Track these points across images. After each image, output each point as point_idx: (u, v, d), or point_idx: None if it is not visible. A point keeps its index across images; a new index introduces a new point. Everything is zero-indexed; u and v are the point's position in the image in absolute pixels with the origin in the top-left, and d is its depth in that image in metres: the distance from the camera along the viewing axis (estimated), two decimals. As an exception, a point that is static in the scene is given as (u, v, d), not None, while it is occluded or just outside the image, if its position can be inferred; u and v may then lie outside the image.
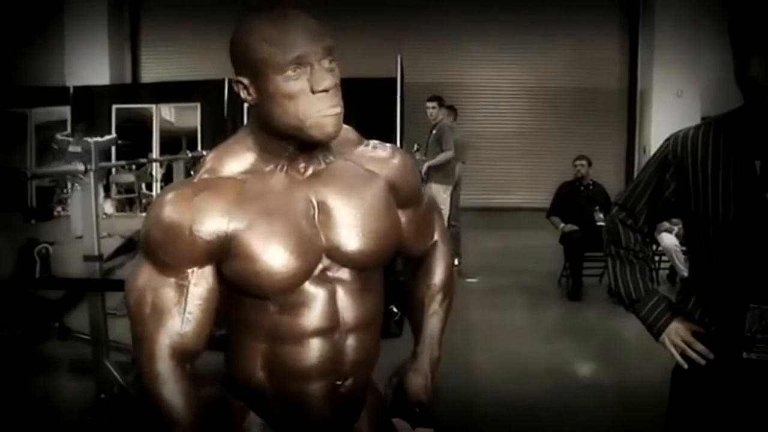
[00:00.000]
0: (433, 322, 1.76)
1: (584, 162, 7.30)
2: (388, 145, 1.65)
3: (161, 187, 12.59)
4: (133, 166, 12.41)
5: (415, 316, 1.78)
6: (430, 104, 8.12)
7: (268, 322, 1.45)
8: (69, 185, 10.24)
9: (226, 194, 1.40)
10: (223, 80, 12.64)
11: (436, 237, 1.79)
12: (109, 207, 11.73)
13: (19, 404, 4.09)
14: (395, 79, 9.29)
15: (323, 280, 1.46)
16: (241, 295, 1.44)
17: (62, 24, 12.91)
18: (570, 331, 5.87)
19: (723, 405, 1.82)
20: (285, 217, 1.42)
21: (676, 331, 1.90)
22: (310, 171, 1.48)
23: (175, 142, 12.53)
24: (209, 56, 13.31)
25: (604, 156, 12.75)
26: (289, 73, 1.35)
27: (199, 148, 11.83)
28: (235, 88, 1.45)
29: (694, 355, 1.86)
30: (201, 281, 1.41)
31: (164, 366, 1.42)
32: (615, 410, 4.16)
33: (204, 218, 1.37)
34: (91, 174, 3.92)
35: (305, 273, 1.43)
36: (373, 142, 1.63)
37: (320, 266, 1.46)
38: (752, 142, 1.72)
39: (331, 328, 1.47)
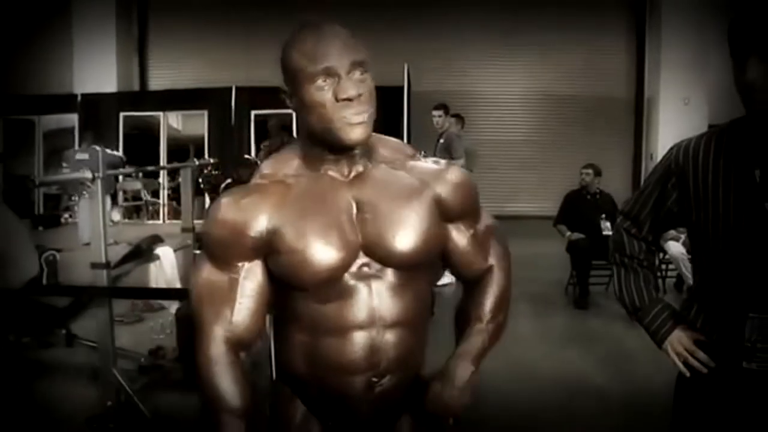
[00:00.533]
0: (475, 338, 1.70)
1: (590, 171, 7.27)
2: (443, 161, 1.72)
3: (168, 196, 12.63)
4: (140, 174, 12.49)
5: (460, 337, 1.75)
6: (436, 113, 8.12)
7: (309, 314, 1.56)
8: (77, 194, 10.31)
9: (271, 196, 1.54)
10: (231, 88, 12.69)
11: (491, 261, 1.76)
12: (116, 214, 11.80)
13: (26, 411, 4.09)
14: (402, 87, 9.30)
15: (361, 276, 1.55)
16: (286, 288, 1.55)
17: (70, 32, 12.97)
18: (576, 339, 5.86)
19: (725, 414, 1.82)
20: (325, 215, 1.52)
21: (678, 340, 1.91)
22: (352, 174, 1.58)
23: (182, 149, 12.56)
24: (217, 64, 13.38)
25: (611, 164, 12.71)
26: (319, 82, 1.46)
27: (206, 155, 11.87)
28: (282, 97, 1.58)
29: (696, 363, 1.86)
30: (250, 275, 1.55)
31: (217, 352, 1.55)
32: (621, 418, 4.14)
33: (249, 218, 1.52)
34: (98, 181, 3.93)
35: (342, 267, 1.52)
36: (432, 158, 1.73)
37: (358, 262, 1.54)
38: (752, 151, 1.72)
39: (368, 323, 1.55)
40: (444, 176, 1.64)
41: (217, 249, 1.56)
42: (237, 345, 1.57)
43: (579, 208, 7.23)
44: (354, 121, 1.47)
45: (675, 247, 6.92)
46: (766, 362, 1.74)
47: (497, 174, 12.58)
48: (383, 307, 1.56)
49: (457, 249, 1.70)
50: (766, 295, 1.72)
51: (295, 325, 1.60)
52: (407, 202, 1.57)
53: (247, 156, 10.49)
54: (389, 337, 1.57)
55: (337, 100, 1.46)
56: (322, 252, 1.50)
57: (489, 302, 1.74)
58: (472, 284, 1.79)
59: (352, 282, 1.54)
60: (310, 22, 1.52)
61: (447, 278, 7.75)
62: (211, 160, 8.38)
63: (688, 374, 1.88)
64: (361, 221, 1.55)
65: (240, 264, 1.55)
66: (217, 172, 8.47)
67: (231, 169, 8.75)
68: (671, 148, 1.89)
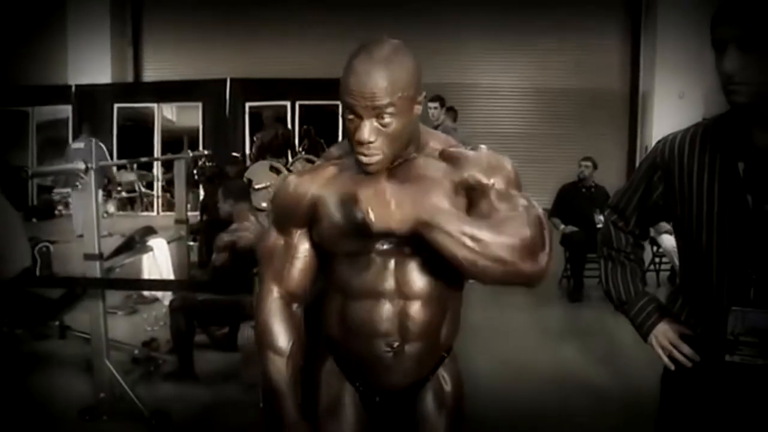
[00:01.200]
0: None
1: (589, 163, 7.25)
2: (483, 147, 1.80)
3: (162, 187, 12.61)
4: (135, 166, 12.46)
5: None
6: (432, 104, 8.09)
7: (342, 280, 1.77)
8: (70, 186, 10.28)
9: (323, 175, 1.77)
10: (225, 79, 12.67)
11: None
12: (110, 206, 11.78)
13: (19, 403, 4.09)
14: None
15: (390, 251, 1.72)
16: (328, 256, 1.79)
17: (65, 23, 12.92)
18: (570, 332, 5.87)
19: (709, 408, 1.82)
20: (361, 194, 1.64)
21: (663, 333, 1.91)
22: (394, 164, 1.71)
23: (176, 141, 12.54)
24: (211, 56, 13.34)
25: (605, 158, 12.68)
26: (348, 114, 1.62)
27: (201, 147, 11.85)
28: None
29: (680, 357, 1.86)
30: (302, 240, 1.81)
31: (271, 301, 1.82)
32: (614, 411, 4.15)
33: (304, 192, 1.76)
34: (92, 173, 3.91)
35: (371, 241, 1.70)
36: (477, 147, 1.80)
37: (387, 238, 1.69)
38: (735, 144, 1.72)
39: (391, 293, 1.73)
40: (477, 163, 1.71)
41: (279, 217, 1.84)
42: (289, 297, 1.83)
43: (573, 201, 7.22)
44: (364, 161, 1.65)
45: (669, 241, 6.91)
46: (748, 355, 1.73)
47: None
48: (406, 280, 1.73)
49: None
50: (749, 288, 1.72)
51: (333, 290, 1.81)
52: (434, 185, 1.69)
53: (234, 154, 10.49)
54: (410, 307, 1.73)
55: (354, 138, 1.62)
56: (354, 225, 1.65)
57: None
58: None
59: (380, 255, 1.72)
60: (368, 45, 1.61)
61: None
62: (205, 152, 8.35)
63: (672, 368, 1.88)
64: (393, 201, 1.63)
65: (294, 230, 1.80)
66: (211, 164, 8.46)
67: (224, 164, 8.75)
68: (657, 142, 1.89)
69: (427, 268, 1.72)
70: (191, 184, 8.67)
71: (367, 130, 1.60)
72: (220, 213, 5.04)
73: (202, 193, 9.60)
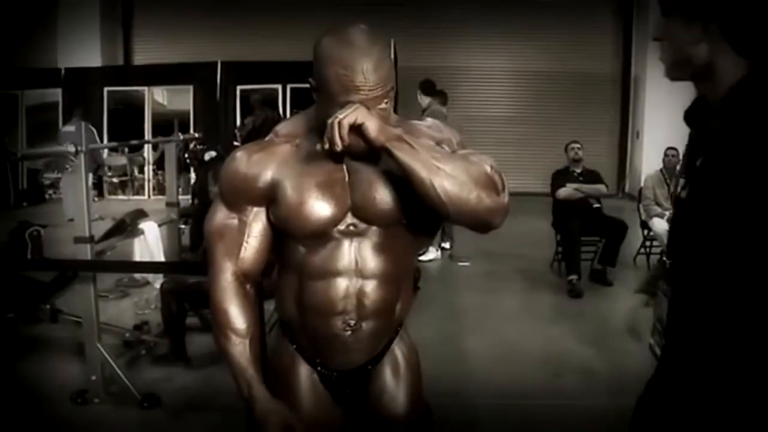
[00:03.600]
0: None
1: (579, 145, 7.20)
2: (429, 120, 1.93)
3: (153, 171, 12.57)
4: (126, 150, 12.41)
5: None
6: (420, 90, 8.08)
7: (299, 261, 1.78)
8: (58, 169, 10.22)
9: (279, 153, 1.76)
10: (216, 63, 12.61)
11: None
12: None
13: (11, 386, 4.08)
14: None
15: (347, 232, 1.75)
16: (283, 237, 1.78)
17: (55, 5, 12.82)
18: (562, 315, 5.89)
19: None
20: (321, 176, 1.72)
21: None
22: None
23: (167, 124, 12.47)
24: (202, 39, 13.27)
25: (597, 141, 12.78)
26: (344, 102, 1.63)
27: (191, 130, 11.80)
28: (309, 82, 1.73)
29: None
30: (257, 218, 1.78)
31: (226, 282, 1.77)
32: (605, 393, 4.17)
33: (259, 169, 1.74)
34: (82, 156, 3.89)
35: (331, 223, 1.73)
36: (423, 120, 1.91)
37: (346, 221, 1.75)
38: (694, 138, 1.66)
39: (348, 272, 1.76)
40: (430, 134, 1.81)
41: (230, 194, 1.78)
42: (244, 277, 1.78)
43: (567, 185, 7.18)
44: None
45: (660, 224, 6.94)
46: (658, 344, 1.73)
47: (483, 150, 12.53)
48: (363, 260, 1.77)
49: None
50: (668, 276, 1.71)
51: (288, 271, 1.82)
52: (389, 166, 1.70)
53: (236, 143, 10.45)
54: (367, 286, 1.77)
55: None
56: (315, 207, 1.70)
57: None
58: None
59: (338, 236, 1.75)
60: (353, 35, 1.62)
61: (432, 254, 7.79)
62: (196, 135, 8.31)
63: None
64: (351, 185, 1.74)
65: (249, 208, 1.77)
66: (202, 147, 8.43)
67: (216, 144, 8.71)
68: None
69: (384, 246, 1.78)
70: (182, 168, 8.65)
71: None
72: (211, 196, 5.02)
73: (193, 176, 9.57)
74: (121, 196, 12.58)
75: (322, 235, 1.74)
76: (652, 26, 1.83)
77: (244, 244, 1.78)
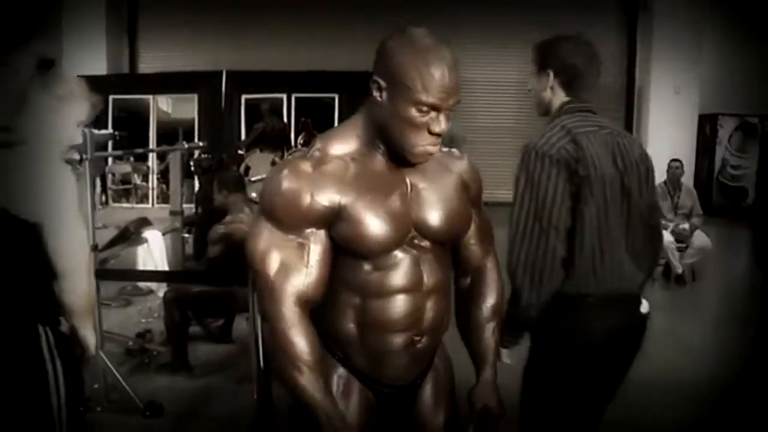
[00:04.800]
0: (491, 343, 1.94)
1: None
2: (456, 151, 1.95)
3: (158, 179, 12.58)
4: (131, 158, 12.42)
5: (471, 337, 1.96)
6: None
7: (363, 280, 1.74)
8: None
9: (337, 171, 1.69)
10: (221, 72, 12.63)
11: (490, 258, 2.00)
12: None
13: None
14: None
15: (411, 247, 1.76)
16: (343, 255, 1.72)
17: (60, 13, 12.83)
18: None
19: None
20: (384, 194, 1.71)
21: None
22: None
23: (171, 133, 12.50)
24: (207, 47, 13.29)
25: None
26: (423, 109, 1.63)
27: (196, 139, 11.82)
28: (371, 86, 1.69)
29: None
30: (319, 241, 1.69)
31: (291, 311, 1.66)
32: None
33: (321, 189, 1.66)
34: (86, 163, 3.90)
35: (397, 241, 1.72)
36: (447, 149, 1.92)
37: (409, 236, 1.75)
38: None
39: (414, 288, 1.76)
40: (464, 164, 1.90)
41: (285, 215, 1.67)
42: (307, 304, 1.69)
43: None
44: (431, 151, 1.70)
45: (664, 237, 6.93)
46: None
47: (487, 160, 12.54)
48: (427, 275, 1.78)
49: (472, 227, 1.93)
50: None
51: (345, 289, 1.75)
52: (447, 186, 1.82)
53: (240, 152, 10.47)
54: (429, 301, 1.79)
55: (429, 132, 1.65)
56: (382, 227, 1.69)
57: (491, 303, 1.97)
58: (468, 283, 2.00)
59: (402, 253, 1.74)
60: (420, 37, 1.65)
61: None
62: (201, 144, 8.33)
63: None
64: (413, 201, 1.76)
65: (309, 231, 1.68)
66: (206, 156, 8.45)
67: (221, 154, 8.73)
68: None
69: (440, 261, 1.83)
70: (186, 176, 8.66)
71: (445, 120, 1.66)
72: (215, 204, 5.03)
73: (197, 184, 9.58)
74: (125, 204, 12.59)
75: (388, 252, 1.73)
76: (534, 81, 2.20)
77: (307, 269, 1.68)
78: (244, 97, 12.65)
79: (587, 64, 2.38)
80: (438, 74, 1.60)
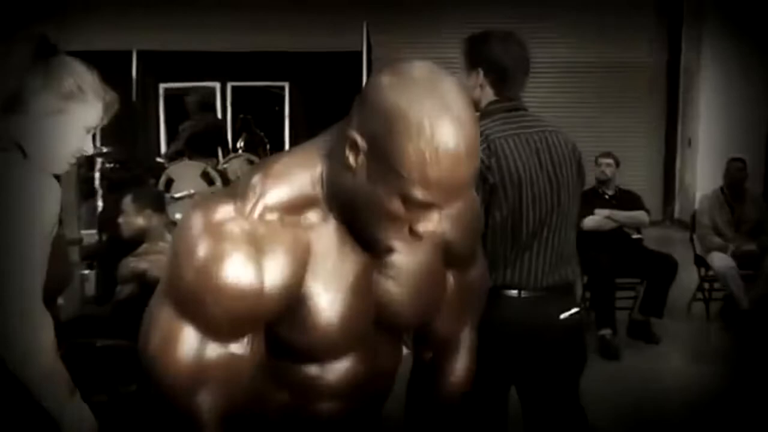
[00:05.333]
0: None
1: (610, 160, 7.00)
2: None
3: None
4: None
5: (415, 415, 2.02)
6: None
7: (299, 378, 1.66)
8: None
9: (292, 248, 1.51)
10: (131, 52, 12.60)
11: (464, 332, 1.97)
12: None
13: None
14: (360, 52, 9.37)
15: (369, 336, 1.68)
16: (281, 354, 1.62)
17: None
18: (592, 382, 5.86)
19: None
20: (349, 276, 1.58)
21: None
22: None
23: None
24: (115, 23, 13.25)
25: (634, 153, 12.65)
26: (408, 205, 1.44)
27: (98, 143, 11.75)
28: (348, 146, 1.46)
29: None
30: (257, 349, 1.57)
31: (215, 424, 1.55)
32: None
33: (271, 279, 1.48)
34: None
35: (358, 339, 1.64)
36: None
37: (367, 326, 1.67)
38: None
39: (368, 377, 1.71)
40: (456, 214, 1.69)
41: (223, 321, 1.49)
42: (230, 419, 1.58)
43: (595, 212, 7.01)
44: (403, 245, 1.58)
45: (721, 260, 6.85)
46: None
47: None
48: (383, 360, 1.76)
49: (447, 298, 1.85)
50: None
51: (278, 392, 1.67)
52: (423, 262, 1.70)
53: (159, 160, 10.34)
54: (383, 378, 1.80)
55: (411, 230, 1.48)
56: (344, 319, 1.58)
57: (453, 388, 1.98)
58: (429, 357, 1.98)
59: (359, 342, 1.66)
60: (441, 100, 1.38)
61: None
62: (103, 149, 8.23)
63: None
64: (377, 283, 1.65)
65: (250, 335, 1.55)
66: (115, 166, 8.36)
67: (135, 166, 8.65)
68: None
69: (397, 344, 1.89)
70: (86, 194, 8.57)
71: (438, 222, 1.50)
72: (125, 230, 4.97)
73: (100, 204, 9.50)
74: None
75: (342, 355, 1.66)
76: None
77: (237, 388, 1.57)
78: (162, 86, 12.60)
79: (517, 63, 2.92)
80: (448, 164, 1.36)
